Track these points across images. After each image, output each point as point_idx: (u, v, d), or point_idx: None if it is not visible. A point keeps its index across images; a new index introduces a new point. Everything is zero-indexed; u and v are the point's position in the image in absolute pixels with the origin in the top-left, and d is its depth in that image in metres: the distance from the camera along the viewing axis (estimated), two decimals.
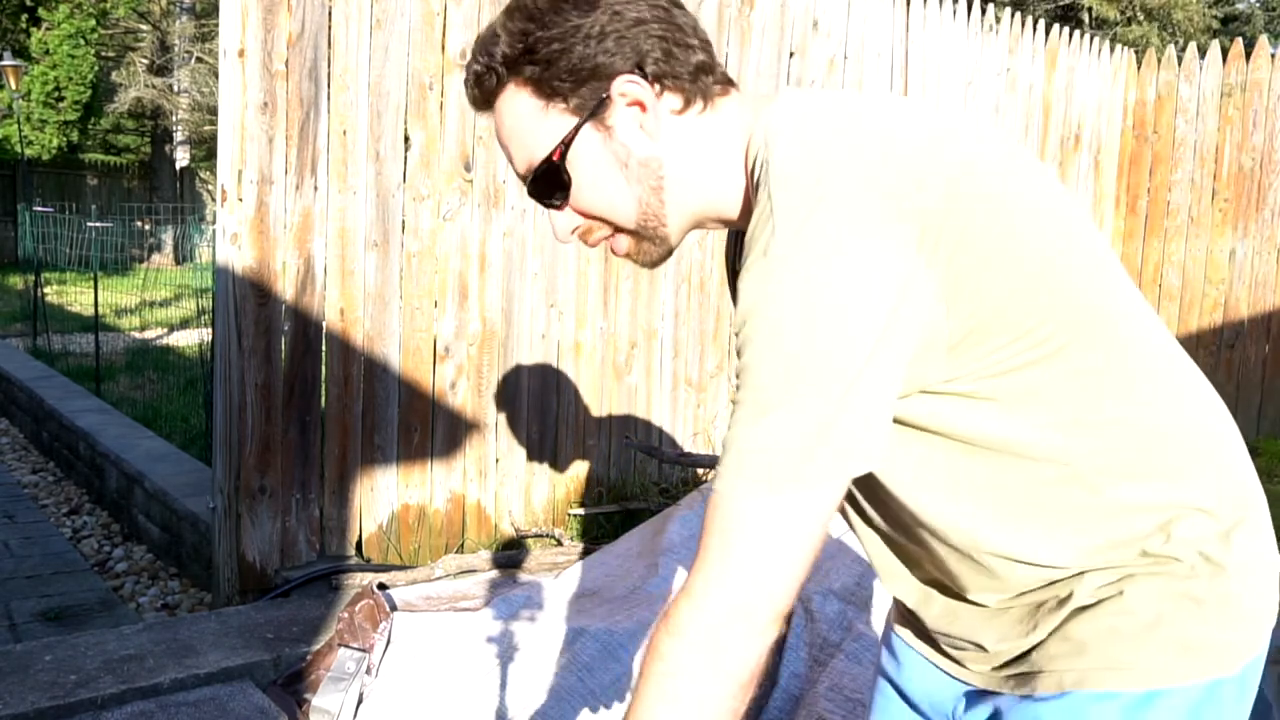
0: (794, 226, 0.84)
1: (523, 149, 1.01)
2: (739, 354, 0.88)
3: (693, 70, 0.98)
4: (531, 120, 0.99)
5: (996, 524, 0.95)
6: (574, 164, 0.99)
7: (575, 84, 0.97)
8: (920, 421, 0.93)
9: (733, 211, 1.03)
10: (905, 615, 1.16)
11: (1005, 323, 0.88)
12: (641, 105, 0.97)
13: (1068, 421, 0.91)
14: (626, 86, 0.97)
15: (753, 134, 0.97)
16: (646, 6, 0.97)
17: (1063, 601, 0.94)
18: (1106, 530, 0.92)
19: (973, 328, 0.88)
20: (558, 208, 1.02)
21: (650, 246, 1.04)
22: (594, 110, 0.97)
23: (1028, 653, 0.96)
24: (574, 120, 0.98)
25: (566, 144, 0.98)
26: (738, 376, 0.87)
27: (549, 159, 0.99)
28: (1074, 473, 0.92)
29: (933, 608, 1.07)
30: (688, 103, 0.99)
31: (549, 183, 1.01)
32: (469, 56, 1.03)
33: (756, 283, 0.85)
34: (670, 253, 1.06)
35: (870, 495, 1.03)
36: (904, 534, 1.04)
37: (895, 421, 0.92)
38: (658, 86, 0.97)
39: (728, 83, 1.02)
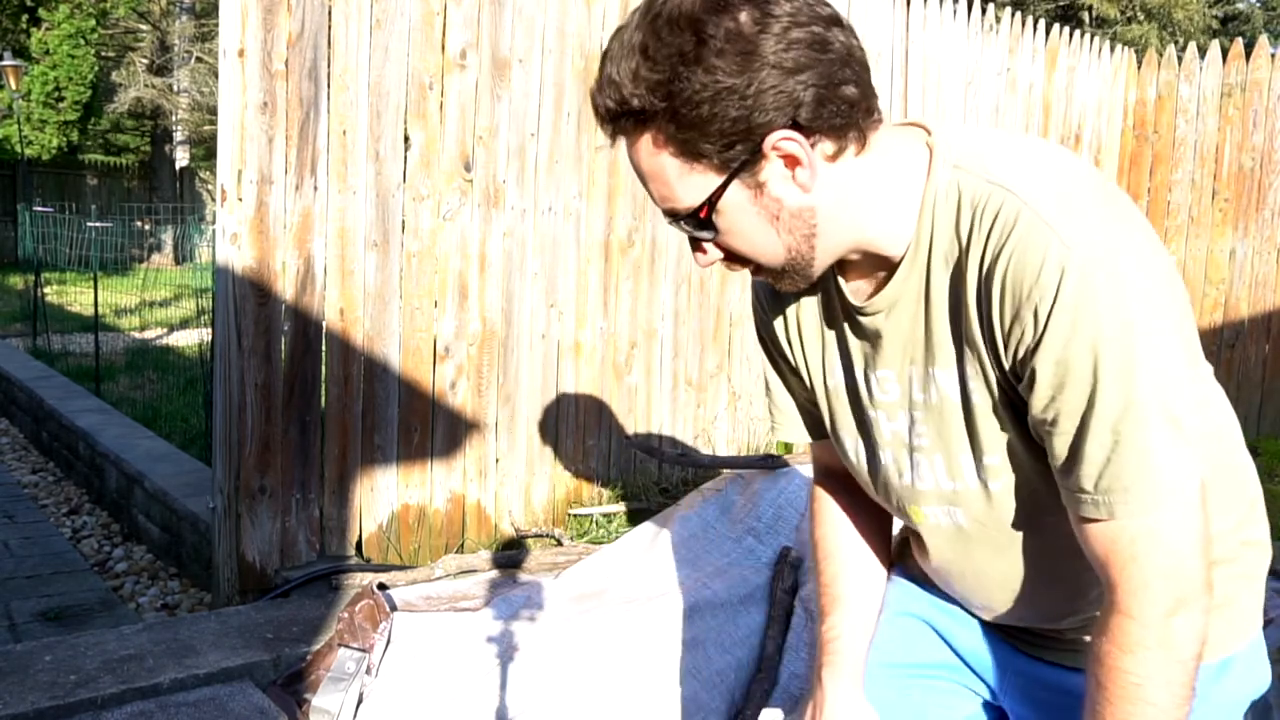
0: (1125, 256, 0.89)
1: (662, 190, 0.96)
2: (1062, 379, 0.90)
3: (846, 111, 0.92)
4: (671, 173, 0.94)
5: None
6: (721, 216, 0.95)
7: (724, 147, 0.91)
8: None
9: (890, 247, 1.00)
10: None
11: None
12: (795, 160, 0.92)
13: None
14: (781, 143, 0.91)
15: (935, 170, 0.97)
16: (804, 48, 0.89)
17: None
18: None
19: None
20: (700, 250, 1.01)
21: (792, 280, 1.02)
22: (742, 166, 0.92)
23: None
24: (719, 179, 0.93)
25: (712, 202, 0.94)
26: (1077, 396, 0.90)
27: (694, 213, 0.95)
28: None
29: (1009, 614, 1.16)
30: (841, 149, 0.94)
31: (692, 229, 0.98)
32: (597, 81, 0.93)
33: (1105, 310, 0.87)
34: (811, 282, 1.04)
35: (1032, 509, 1.05)
36: (1045, 566, 1.09)
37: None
38: (813, 137, 0.92)
39: (875, 112, 0.96)
